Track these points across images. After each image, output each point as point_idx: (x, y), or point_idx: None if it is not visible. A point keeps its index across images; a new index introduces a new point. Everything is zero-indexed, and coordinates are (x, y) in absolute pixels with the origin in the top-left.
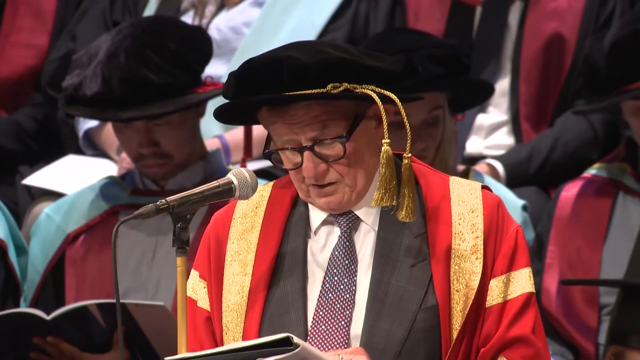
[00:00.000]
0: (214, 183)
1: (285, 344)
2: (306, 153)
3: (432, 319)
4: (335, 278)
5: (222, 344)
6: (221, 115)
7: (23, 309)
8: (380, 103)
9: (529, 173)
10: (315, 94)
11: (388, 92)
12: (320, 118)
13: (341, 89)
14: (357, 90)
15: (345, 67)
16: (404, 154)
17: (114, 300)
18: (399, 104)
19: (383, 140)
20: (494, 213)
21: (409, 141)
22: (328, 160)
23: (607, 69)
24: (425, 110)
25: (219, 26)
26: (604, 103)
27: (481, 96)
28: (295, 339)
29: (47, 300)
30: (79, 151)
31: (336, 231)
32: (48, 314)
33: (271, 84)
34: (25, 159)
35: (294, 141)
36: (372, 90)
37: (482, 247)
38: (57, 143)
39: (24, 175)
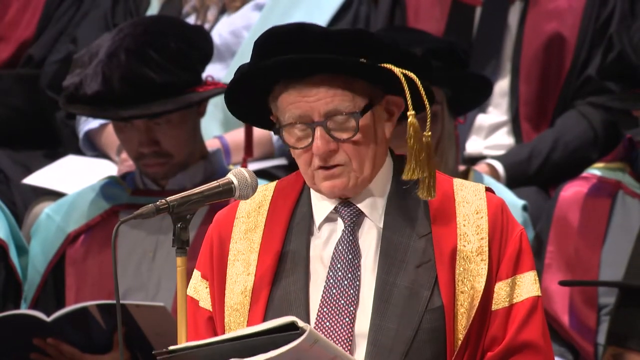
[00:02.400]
0: (214, 183)
1: (290, 329)
2: (318, 129)
3: (437, 319)
4: (339, 273)
5: None
6: (234, 90)
7: (23, 310)
8: (402, 76)
9: (529, 173)
10: (339, 58)
11: (409, 72)
12: (337, 93)
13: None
14: (381, 65)
15: (367, 41)
16: (425, 133)
17: (114, 301)
18: (418, 82)
19: (408, 112)
20: (499, 215)
21: (429, 120)
22: (339, 140)
23: None
24: None
25: (220, 31)
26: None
27: (480, 94)
28: (300, 323)
29: (47, 300)
30: (79, 152)
31: (339, 228)
32: (48, 314)
33: (295, 49)
34: None
35: (306, 116)
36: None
37: (487, 249)
38: (57, 144)
39: (5, 168)
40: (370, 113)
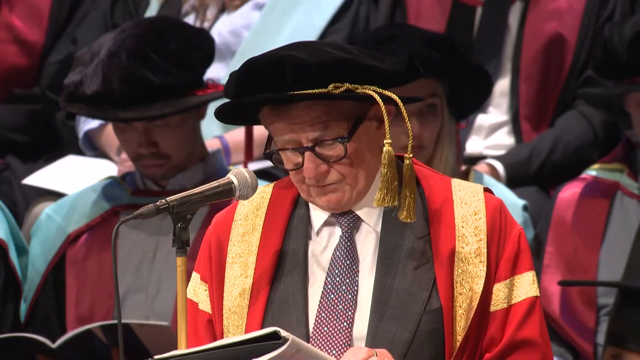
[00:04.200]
0: (214, 183)
1: (273, 339)
2: (307, 153)
3: (436, 321)
4: (337, 278)
5: None
6: (222, 114)
7: (28, 334)
8: (382, 104)
9: (529, 173)
10: (316, 93)
11: (389, 93)
12: (322, 118)
13: (342, 89)
14: (358, 91)
15: (347, 67)
16: (405, 155)
17: (117, 321)
18: (401, 105)
19: (385, 141)
20: (497, 216)
21: (410, 142)
22: (329, 161)
23: (627, 56)
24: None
25: (219, 30)
26: (618, 90)
27: (480, 88)
28: (283, 333)
29: (47, 300)
30: (79, 152)
31: (337, 232)
32: (48, 316)
33: (273, 83)
34: (9, 151)
35: (295, 141)
36: (373, 90)
37: (485, 250)
38: (57, 144)
39: (14, 170)
40: (360, 129)
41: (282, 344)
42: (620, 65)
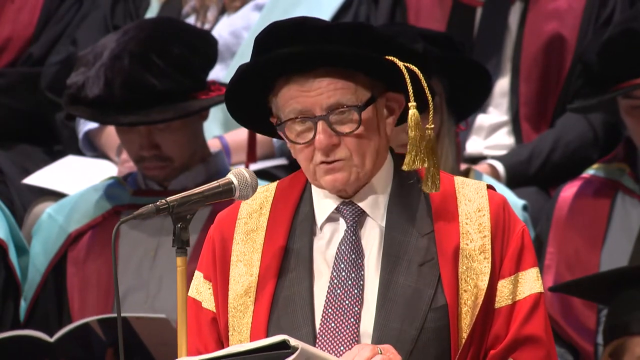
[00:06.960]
0: (214, 183)
1: (283, 347)
2: (320, 123)
3: (441, 318)
4: (343, 273)
5: (227, 345)
6: (236, 88)
7: (26, 331)
8: (404, 68)
9: (529, 173)
10: (341, 50)
11: (410, 65)
12: (338, 86)
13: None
14: (384, 57)
15: (367, 33)
16: (427, 125)
17: (115, 315)
18: (420, 75)
19: (410, 104)
20: (501, 213)
21: (431, 113)
22: (341, 134)
23: (599, 66)
24: None
25: (220, 31)
26: (595, 100)
27: (479, 84)
28: (292, 341)
29: (47, 300)
30: (79, 152)
31: (341, 228)
32: (48, 314)
33: (295, 44)
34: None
35: (308, 111)
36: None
37: (489, 247)
38: (56, 144)
39: (8, 171)
40: (372, 107)
41: (292, 353)
42: (596, 76)
